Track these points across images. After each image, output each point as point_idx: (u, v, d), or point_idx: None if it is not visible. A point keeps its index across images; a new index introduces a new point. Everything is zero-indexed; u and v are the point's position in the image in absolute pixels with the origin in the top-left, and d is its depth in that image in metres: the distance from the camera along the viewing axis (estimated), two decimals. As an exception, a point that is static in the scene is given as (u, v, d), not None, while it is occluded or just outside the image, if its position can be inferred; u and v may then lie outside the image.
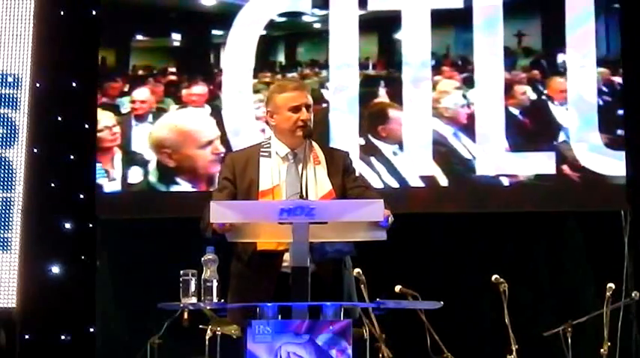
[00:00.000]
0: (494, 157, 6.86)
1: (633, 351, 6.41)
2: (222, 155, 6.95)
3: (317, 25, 7.26)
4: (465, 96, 6.96)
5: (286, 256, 3.93)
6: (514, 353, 5.36)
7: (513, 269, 5.93)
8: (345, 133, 6.96)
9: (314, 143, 4.16)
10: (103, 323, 7.03)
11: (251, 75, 7.18)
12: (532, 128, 6.88)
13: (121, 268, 7.01)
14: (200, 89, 7.28)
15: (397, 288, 5.37)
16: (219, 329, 5.57)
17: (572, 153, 6.78)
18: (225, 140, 7.16)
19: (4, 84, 6.98)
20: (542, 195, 6.80)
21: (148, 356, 5.70)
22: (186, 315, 3.81)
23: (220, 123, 7.20)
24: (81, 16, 7.29)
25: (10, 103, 6.96)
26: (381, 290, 4.57)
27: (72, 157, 7.18)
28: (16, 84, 6.98)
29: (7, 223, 6.82)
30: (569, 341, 5.47)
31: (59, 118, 7.18)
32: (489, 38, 6.97)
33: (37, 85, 7.02)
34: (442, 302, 3.93)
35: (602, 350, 5.42)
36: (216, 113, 7.22)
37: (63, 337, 6.99)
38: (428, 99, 6.98)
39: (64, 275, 7.02)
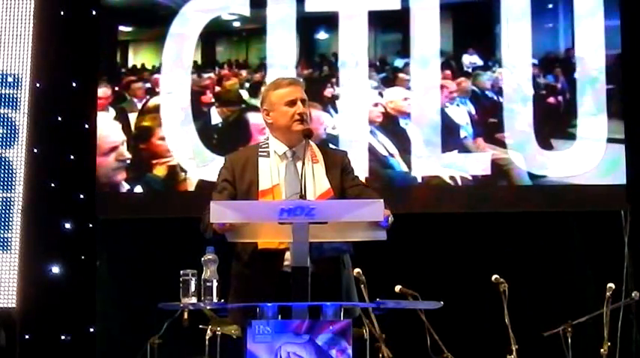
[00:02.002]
0: (411, 155, 6.93)
1: (633, 351, 6.41)
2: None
3: (236, 24, 7.20)
4: (381, 95, 7.01)
5: (287, 255, 3.94)
6: (514, 353, 5.36)
7: (513, 269, 5.92)
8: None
9: (312, 142, 4.17)
10: (103, 323, 7.03)
11: (189, 74, 7.12)
12: (443, 127, 6.96)
13: (121, 268, 7.02)
14: (103, 91, 7.16)
15: (397, 288, 5.38)
16: (219, 329, 5.58)
17: (480, 152, 6.89)
18: (132, 145, 7.04)
19: (4, 84, 6.98)
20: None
21: (148, 356, 5.70)
22: (186, 315, 3.81)
23: (126, 127, 7.07)
24: (81, 16, 7.28)
25: (10, 103, 6.96)
26: (381, 290, 4.57)
27: (72, 157, 7.18)
28: (16, 84, 6.98)
29: (7, 223, 6.82)
30: (569, 341, 5.47)
31: (59, 118, 7.18)
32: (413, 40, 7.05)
33: (37, 85, 7.02)
34: (442, 302, 3.93)
35: (602, 350, 5.42)
36: (122, 116, 7.09)
37: (63, 337, 6.99)
38: (349, 99, 7.00)
39: (64, 275, 7.02)
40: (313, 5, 7.11)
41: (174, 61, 7.15)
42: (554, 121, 6.92)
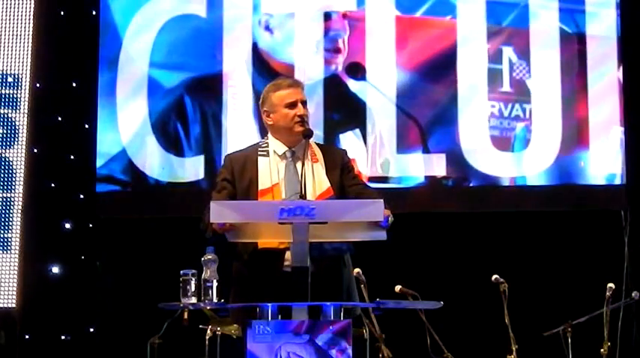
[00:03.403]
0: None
1: (633, 349, 6.41)
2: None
3: None
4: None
5: (287, 255, 3.94)
6: (514, 353, 5.36)
7: (513, 269, 5.92)
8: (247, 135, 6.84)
9: (311, 142, 4.17)
10: (103, 323, 7.02)
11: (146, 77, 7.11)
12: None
13: (121, 268, 7.01)
14: None
15: (397, 288, 5.37)
16: (219, 329, 5.58)
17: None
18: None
19: (4, 84, 6.98)
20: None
21: (148, 356, 5.70)
22: (186, 315, 3.81)
23: None
24: (81, 16, 7.28)
25: (10, 103, 6.96)
26: (381, 290, 4.57)
27: (72, 157, 7.18)
28: (16, 84, 6.98)
29: (7, 223, 6.82)
30: (569, 341, 5.47)
31: (59, 118, 7.18)
32: (383, 39, 7.00)
33: (37, 85, 7.02)
34: (442, 302, 3.93)
35: (602, 350, 5.42)
36: None
37: (63, 337, 6.99)
38: (320, 99, 6.96)
39: (64, 275, 7.02)
40: (271, 7, 7.11)
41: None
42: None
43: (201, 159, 7.03)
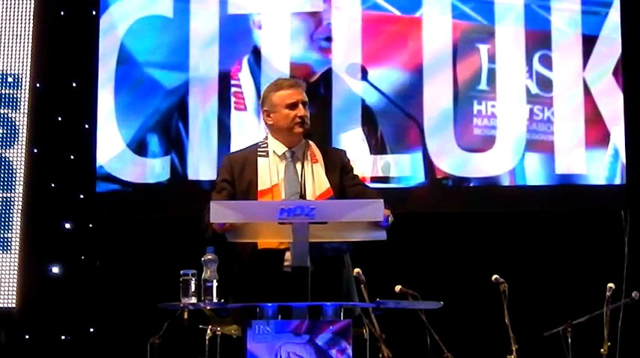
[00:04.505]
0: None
1: (633, 351, 6.40)
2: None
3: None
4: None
5: (287, 255, 3.94)
6: (514, 353, 5.36)
7: (513, 269, 5.92)
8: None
9: (311, 142, 4.17)
10: (103, 323, 7.03)
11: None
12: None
13: (121, 268, 7.01)
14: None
15: (397, 288, 5.37)
16: (219, 329, 5.58)
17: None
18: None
19: (4, 84, 6.98)
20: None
21: (148, 356, 5.70)
22: (186, 315, 3.81)
23: None
24: (81, 16, 7.28)
25: (10, 103, 6.97)
26: (381, 290, 4.57)
27: (72, 157, 7.19)
28: (16, 84, 6.99)
29: (7, 223, 6.82)
30: (569, 341, 5.46)
31: (59, 118, 7.19)
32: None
33: (37, 85, 7.02)
34: (442, 302, 3.93)
35: (602, 350, 5.42)
36: None
37: (63, 337, 6.99)
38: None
39: (64, 275, 7.03)
40: (238, 7, 7.11)
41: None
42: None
43: (201, 159, 7.03)
